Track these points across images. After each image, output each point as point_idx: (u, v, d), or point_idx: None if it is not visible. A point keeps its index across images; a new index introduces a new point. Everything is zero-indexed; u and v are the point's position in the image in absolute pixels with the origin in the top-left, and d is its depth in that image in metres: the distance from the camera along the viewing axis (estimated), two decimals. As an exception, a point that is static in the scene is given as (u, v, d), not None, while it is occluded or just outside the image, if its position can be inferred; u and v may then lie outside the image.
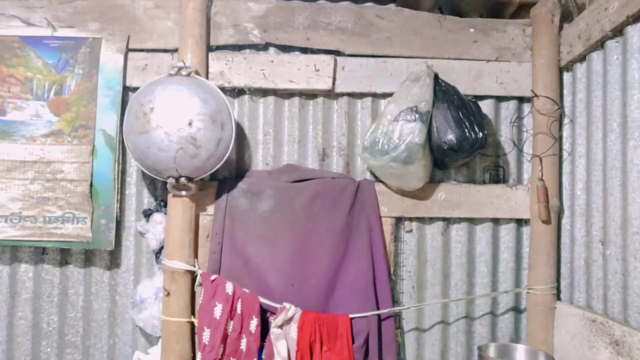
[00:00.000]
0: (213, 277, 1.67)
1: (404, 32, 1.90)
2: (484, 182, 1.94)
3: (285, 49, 1.89)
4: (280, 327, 1.68)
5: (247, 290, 1.69)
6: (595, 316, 1.59)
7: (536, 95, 1.84)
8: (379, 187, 1.84)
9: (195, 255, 1.76)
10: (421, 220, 1.89)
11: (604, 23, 1.56)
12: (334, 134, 1.91)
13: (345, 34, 1.88)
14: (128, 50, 1.82)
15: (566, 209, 1.84)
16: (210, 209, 1.79)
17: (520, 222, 1.93)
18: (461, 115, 1.76)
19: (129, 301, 1.84)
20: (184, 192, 1.71)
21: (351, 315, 1.72)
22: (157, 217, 1.79)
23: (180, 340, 1.71)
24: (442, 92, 1.79)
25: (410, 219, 1.88)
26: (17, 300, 1.81)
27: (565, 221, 1.85)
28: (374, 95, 1.91)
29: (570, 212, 1.81)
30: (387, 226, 1.84)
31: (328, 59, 1.86)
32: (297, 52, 1.89)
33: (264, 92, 1.88)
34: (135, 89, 1.79)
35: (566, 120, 1.85)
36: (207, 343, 1.63)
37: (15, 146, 1.76)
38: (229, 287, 1.66)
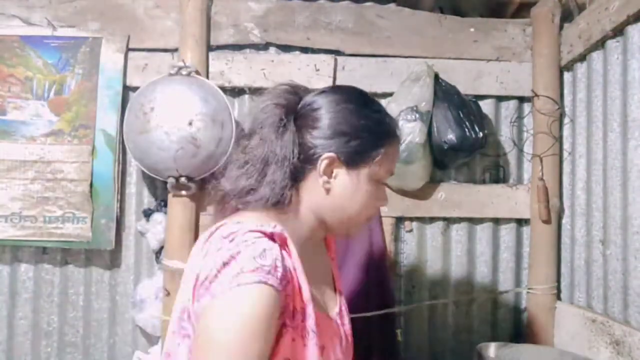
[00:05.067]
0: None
1: (404, 32, 1.90)
2: (484, 182, 1.93)
3: (286, 48, 1.89)
4: (281, 327, 1.67)
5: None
6: (595, 316, 1.59)
7: (536, 95, 1.84)
8: (379, 187, 1.84)
9: (196, 255, 1.75)
10: (421, 220, 1.89)
11: (605, 23, 1.56)
12: (334, 134, 1.90)
13: (345, 34, 1.89)
14: (128, 49, 1.82)
15: (566, 209, 1.84)
16: (211, 209, 1.78)
17: (520, 222, 1.93)
18: (461, 115, 1.76)
19: (129, 301, 1.83)
20: (184, 192, 1.71)
21: (351, 315, 1.71)
22: (157, 217, 1.79)
23: (180, 340, 1.71)
24: (443, 91, 1.79)
25: (411, 219, 1.88)
26: (17, 300, 1.81)
27: (565, 221, 1.85)
28: (374, 95, 1.89)
29: (571, 212, 1.81)
30: (387, 226, 1.83)
31: (328, 58, 1.86)
32: (297, 52, 1.89)
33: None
34: (135, 89, 1.79)
35: (566, 120, 1.85)
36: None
37: (15, 146, 1.76)
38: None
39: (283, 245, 0.83)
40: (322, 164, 0.89)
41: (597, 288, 1.64)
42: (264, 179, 0.88)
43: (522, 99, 1.94)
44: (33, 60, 1.79)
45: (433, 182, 1.88)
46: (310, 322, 0.83)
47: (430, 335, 1.89)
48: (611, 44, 1.57)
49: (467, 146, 1.75)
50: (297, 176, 0.90)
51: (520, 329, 1.92)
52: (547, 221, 1.82)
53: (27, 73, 1.78)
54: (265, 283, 0.75)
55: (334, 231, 0.96)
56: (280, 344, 0.79)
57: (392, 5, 1.95)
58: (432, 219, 1.90)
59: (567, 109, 1.86)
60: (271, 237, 0.81)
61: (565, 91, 1.87)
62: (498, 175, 1.95)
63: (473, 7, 2.04)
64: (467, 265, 1.90)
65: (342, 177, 0.90)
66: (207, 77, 1.80)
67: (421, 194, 1.85)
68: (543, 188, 1.80)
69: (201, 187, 1.77)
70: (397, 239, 1.88)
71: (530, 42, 1.92)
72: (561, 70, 1.87)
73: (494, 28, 1.93)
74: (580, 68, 1.77)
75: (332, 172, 0.90)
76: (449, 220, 1.90)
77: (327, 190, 0.90)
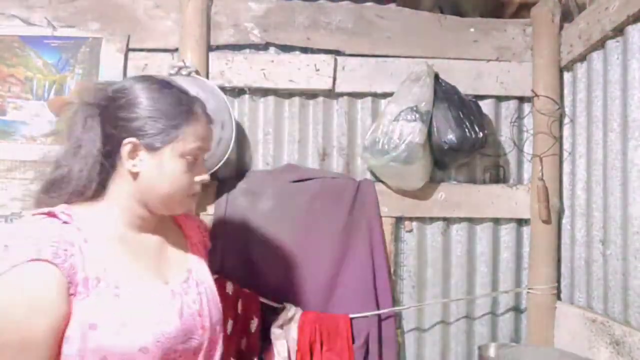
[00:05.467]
0: (214, 276, 1.67)
1: (404, 32, 1.90)
2: (484, 182, 1.93)
3: (286, 48, 1.89)
4: (281, 327, 1.68)
5: (247, 290, 1.69)
6: (595, 316, 1.59)
7: (536, 95, 1.84)
8: (379, 187, 1.84)
9: (196, 255, 1.76)
10: (421, 220, 1.89)
11: (605, 23, 1.56)
12: (334, 134, 1.91)
13: (345, 34, 1.88)
14: (128, 50, 1.82)
15: (566, 209, 1.84)
16: (210, 209, 1.79)
17: (520, 222, 1.92)
18: (461, 115, 1.76)
19: (129, 301, 1.83)
20: (184, 192, 1.71)
21: (351, 315, 1.72)
22: (157, 216, 1.79)
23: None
24: (443, 91, 1.79)
25: (411, 219, 1.88)
26: (17, 300, 1.81)
27: (565, 221, 1.85)
28: (374, 95, 1.91)
29: (571, 212, 1.81)
30: (387, 226, 1.83)
31: (328, 58, 1.86)
32: (297, 52, 1.89)
33: (264, 92, 1.88)
34: (135, 89, 1.79)
35: (566, 120, 1.85)
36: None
37: (15, 146, 1.76)
38: (229, 287, 1.66)
39: (69, 220, 0.92)
40: (124, 150, 0.97)
41: (597, 288, 1.64)
42: (71, 174, 0.97)
43: (522, 99, 1.94)
44: (33, 60, 1.79)
45: (433, 182, 1.88)
46: (110, 289, 0.90)
47: (430, 335, 1.89)
48: (611, 44, 1.57)
49: (467, 146, 1.75)
50: (108, 168, 0.98)
51: (520, 329, 1.92)
52: (547, 221, 1.82)
53: (27, 73, 1.78)
54: (39, 259, 0.84)
55: (157, 212, 1.04)
56: (76, 310, 0.87)
57: (392, 5, 1.95)
58: (432, 219, 1.90)
59: (567, 109, 1.86)
60: (52, 215, 0.91)
61: (565, 91, 1.87)
62: (498, 175, 1.95)
63: (473, 7, 2.04)
64: (467, 265, 1.90)
65: (146, 159, 0.98)
66: (207, 77, 1.80)
67: (421, 194, 1.85)
68: (543, 188, 1.80)
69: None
70: (397, 239, 1.87)
71: (530, 42, 1.92)
72: (561, 70, 1.87)
73: (494, 28, 1.93)
74: (580, 68, 1.77)
75: (136, 156, 0.98)
76: (449, 220, 1.90)
77: (136, 175, 0.99)
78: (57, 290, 0.86)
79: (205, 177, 1.07)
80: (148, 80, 1.03)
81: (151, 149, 0.97)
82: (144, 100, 0.98)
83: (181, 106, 1.01)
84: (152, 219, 1.05)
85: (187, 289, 1.04)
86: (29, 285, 0.84)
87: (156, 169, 0.98)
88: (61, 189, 0.98)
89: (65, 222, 0.92)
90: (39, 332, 0.85)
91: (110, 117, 0.98)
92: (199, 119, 1.03)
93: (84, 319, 0.87)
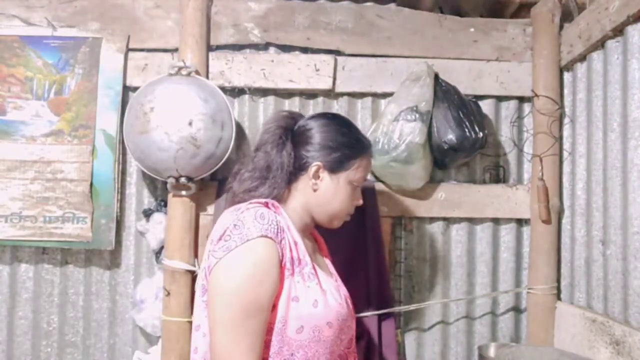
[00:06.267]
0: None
1: (404, 32, 1.90)
2: (484, 182, 1.94)
3: (286, 48, 1.89)
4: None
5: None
6: (595, 316, 1.59)
7: (536, 95, 1.84)
8: (379, 187, 1.84)
9: (196, 255, 1.76)
10: (421, 220, 1.89)
11: (605, 23, 1.56)
12: (334, 134, 1.90)
13: (345, 34, 1.88)
14: (128, 49, 1.82)
15: (566, 209, 1.84)
16: (211, 209, 1.79)
17: (520, 222, 1.93)
18: (461, 115, 1.76)
19: (129, 301, 1.84)
20: (184, 192, 1.72)
21: (351, 315, 1.71)
22: (157, 217, 1.79)
23: (180, 339, 1.71)
24: (443, 91, 1.79)
25: (411, 219, 1.88)
26: (17, 300, 1.81)
27: (565, 221, 1.85)
28: (374, 95, 1.91)
29: (571, 212, 1.81)
30: (387, 226, 1.84)
31: (328, 58, 1.86)
32: (297, 52, 1.89)
33: (264, 92, 1.88)
34: (135, 89, 1.79)
35: (566, 120, 1.85)
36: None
37: (15, 146, 1.76)
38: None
39: (277, 211, 1.14)
40: (312, 170, 1.19)
41: (597, 288, 1.64)
42: (266, 181, 1.18)
43: (522, 99, 1.94)
44: (33, 60, 1.79)
45: (433, 182, 1.88)
46: (307, 269, 1.10)
47: (430, 335, 1.89)
48: (611, 44, 1.57)
49: (467, 146, 1.75)
50: (291, 179, 1.20)
51: (520, 329, 1.92)
52: (547, 221, 1.82)
53: (27, 73, 1.78)
54: (265, 236, 1.04)
55: (319, 222, 1.25)
56: (285, 284, 1.05)
57: (392, 5, 1.95)
58: (432, 219, 1.90)
59: (567, 109, 1.86)
60: (266, 205, 1.13)
61: (565, 91, 1.87)
62: (498, 175, 1.95)
63: (473, 7, 2.04)
64: (467, 265, 1.90)
65: (327, 180, 1.20)
66: (207, 77, 1.80)
67: (421, 194, 1.85)
68: (543, 188, 1.80)
69: (201, 187, 1.77)
70: (396, 238, 1.87)
71: (530, 42, 1.92)
72: (561, 70, 1.87)
73: (494, 28, 1.93)
74: (580, 68, 1.77)
75: (319, 177, 1.20)
76: (449, 220, 1.90)
77: (315, 190, 1.21)
78: (277, 263, 1.04)
79: (360, 202, 1.29)
80: (337, 117, 1.32)
81: (332, 172, 1.20)
82: (333, 134, 1.22)
83: (360, 143, 1.26)
84: (310, 226, 1.26)
85: (341, 285, 1.26)
86: (260, 256, 1.03)
87: (332, 188, 1.20)
88: (257, 189, 1.18)
89: (275, 212, 1.12)
90: (265, 297, 1.02)
91: (304, 142, 1.20)
92: (369, 155, 1.28)
93: (289, 292, 1.05)
